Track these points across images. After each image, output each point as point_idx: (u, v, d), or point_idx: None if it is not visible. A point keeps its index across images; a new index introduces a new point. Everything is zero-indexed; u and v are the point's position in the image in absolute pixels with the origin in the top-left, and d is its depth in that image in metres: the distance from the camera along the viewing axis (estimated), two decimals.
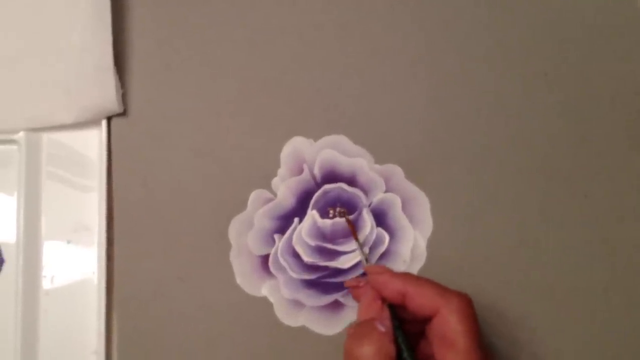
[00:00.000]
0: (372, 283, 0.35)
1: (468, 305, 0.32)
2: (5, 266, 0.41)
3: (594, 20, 0.42)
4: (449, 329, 0.31)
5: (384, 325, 0.32)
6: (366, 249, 0.39)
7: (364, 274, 0.38)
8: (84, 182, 0.41)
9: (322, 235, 0.40)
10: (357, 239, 0.39)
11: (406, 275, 0.34)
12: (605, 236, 0.40)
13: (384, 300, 0.34)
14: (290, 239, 0.40)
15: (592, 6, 0.43)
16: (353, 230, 0.39)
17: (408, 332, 0.32)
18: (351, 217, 0.40)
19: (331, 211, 0.40)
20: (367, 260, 0.39)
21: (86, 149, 0.42)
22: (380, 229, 0.40)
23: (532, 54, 0.42)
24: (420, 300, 0.32)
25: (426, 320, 0.32)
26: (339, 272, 0.39)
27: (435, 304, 0.32)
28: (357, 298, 0.37)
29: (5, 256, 0.41)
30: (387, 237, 0.40)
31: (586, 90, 0.41)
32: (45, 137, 0.42)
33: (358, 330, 0.32)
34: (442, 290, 0.32)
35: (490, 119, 0.41)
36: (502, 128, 0.41)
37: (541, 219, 0.40)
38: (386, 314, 0.33)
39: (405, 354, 0.31)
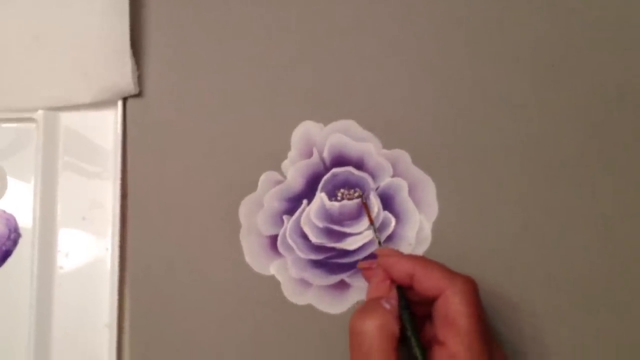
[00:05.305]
0: (381, 264, 0.35)
1: (472, 288, 0.32)
2: (21, 241, 0.42)
3: (602, 12, 0.43)
4: (451, 309, 0.31)
5: (389, 304, 0.32)
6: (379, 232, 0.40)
7: (375, 256, 0.38)
8: (99, 162, 0.42)
9: (329, 217, 0.41)
10: (372, 222, 0.40)
11: (415, 258, 0.35)
12: (611, 229, 0.40)
13: (393, 281, 0.34)
14: (298, 220, 0.41)
15: None
16: (368, 213, 0.40)
17: (416, 314, 0.33)
18: (357, 201, 0.40)
19: (339, 194, 0.41)
20: (380, 242, 0.39)
21: (102, 129, 0.43)
22: (386, 213, 0.40)
23: (540, 46, 0.42)
24: (427, 281, 0.32)
25: (433, 302, 0.33)
26: (346, 253, 0.40)
27: (441, 286, 0.32)
28: (368, 279, 0.37)
29: (21, 231, 0.42)
30: (393, 221, 0.40)
31: (594, 84, 0.42)
32: (63, 116, 0.43)
33: (364, 307, 0.33)
34: (449, 273, 0.33)
35: (498, 108, 0.42)
36: (510, 117, 0.41)
37: (546, 206, 0.40)
38: (393, 293, 0.33)
39: (409, 333, 0.32)
